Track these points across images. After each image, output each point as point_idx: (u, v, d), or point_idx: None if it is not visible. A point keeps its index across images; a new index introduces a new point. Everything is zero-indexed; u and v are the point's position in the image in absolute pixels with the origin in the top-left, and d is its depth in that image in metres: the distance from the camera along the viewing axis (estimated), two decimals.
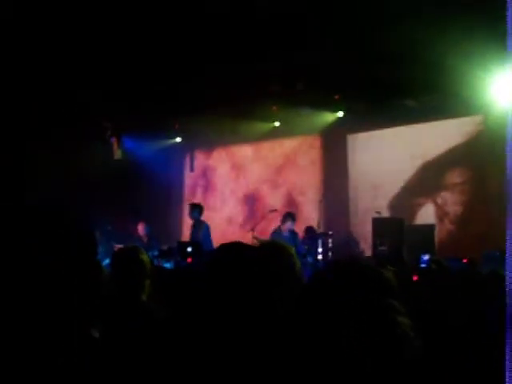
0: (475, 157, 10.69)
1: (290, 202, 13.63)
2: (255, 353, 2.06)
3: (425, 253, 8.58)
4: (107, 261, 8.96)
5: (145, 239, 11.19)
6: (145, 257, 3.71)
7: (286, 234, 10.52)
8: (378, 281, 1.60)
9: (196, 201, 15.07)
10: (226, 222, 14.63)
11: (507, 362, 1.73)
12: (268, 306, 2.24)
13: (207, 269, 2.49)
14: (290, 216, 10.72)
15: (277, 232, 10.60)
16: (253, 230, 11.67)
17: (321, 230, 11.43)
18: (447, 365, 2.53)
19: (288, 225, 10.57)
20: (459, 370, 2.62)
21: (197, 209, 11.09)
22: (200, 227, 10.83)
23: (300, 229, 11.66)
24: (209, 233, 10.85)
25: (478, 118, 10.79)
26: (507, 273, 1.79)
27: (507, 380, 1.69)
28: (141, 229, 11.37)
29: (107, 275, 2.99)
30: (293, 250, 3.12)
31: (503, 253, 1.82)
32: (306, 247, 10.70)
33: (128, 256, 3.67)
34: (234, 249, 2.60)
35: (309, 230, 11.68)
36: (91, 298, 2.25)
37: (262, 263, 2.45)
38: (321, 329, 1.49)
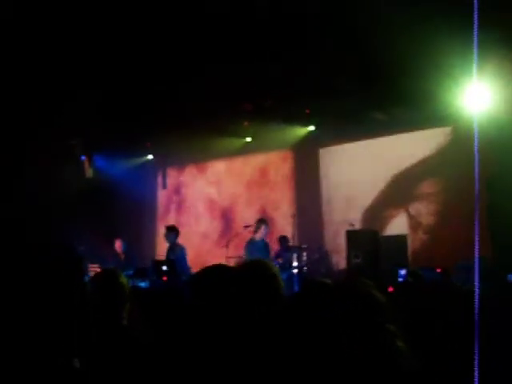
0: (446, 167, 10.81)
1: (264, 217, 13.62)
2: (241, 371, 2.05)
3: (398, 263, 8.62)
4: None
5: (122, 256, 11.08)
6: (124, 280, 3.63)
7: (259, 240, 10.28)
8: (374, 305, 1.60)
9: (170, 217, 15.03)
10: (200, 238, 14.57)
11: (476, 369, 1.75)
12: (251, 325, 2.23)
13: (190, 291, 2.47)
14: (262, 222, 10.52)
15: (251, 242, 10.35)
16: (227, 245, 11.65)
17: (295, 244, 11.44)
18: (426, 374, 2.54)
19: (262, 230, 10.30)
20: (437, 380, 2.64)
21: (173, 232, 10.89)
22: (176, 250, 10.69)
23: (274, 241, 11.69)
24: (184, 256, 10.68)
25: (447, 129, 10.92)
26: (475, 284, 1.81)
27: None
28: (118, 246, 11.26)
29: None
30: (276, 269, 3.07)
31: (478, 262, 1.84)
32: (280, 260, 10.69)
33: (107, 280, 3.58)
34: (216, 271, 2.58)
35: (282, 240, 11.68)
36: (73, 327, 2.23)
37: (245, 284, 2.44)
38: (312, 349, 1.49)
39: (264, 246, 10.22)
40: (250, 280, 2.64)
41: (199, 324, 2.35)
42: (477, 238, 2.06)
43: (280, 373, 1.60)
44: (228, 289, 2.41)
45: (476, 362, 1.77)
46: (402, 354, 1.52)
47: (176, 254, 10.54)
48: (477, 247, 2.03)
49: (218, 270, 2.66)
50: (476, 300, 1.83)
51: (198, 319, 2.37)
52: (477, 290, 1.85)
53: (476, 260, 2.09)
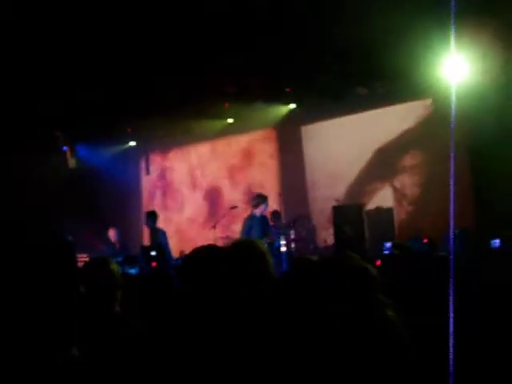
0: (428, 139, 10.87)
1: (250, 197, 13.67)
2: (233, 352, 2.09)
3: (385, 236, 8.70)
4: None
5: (117, 245, 11.04)
6: (115, 267, 3.63)
7: (259, 216, 10.10)
8: (365, 277, 1.64)
9: (156, 203, 15.02)
10: (187, 222, 14.60)
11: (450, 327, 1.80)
12: (242, 304, 2.27)
13: (181, 271, 2.50)
14: (262, 197, 10.35)
15: (250, 217, 10.20)
16: (214, 227, 11.67)
17: (282, 222, 11.50)
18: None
19: (262, 207, 10.14)
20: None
21: (151, 217, 10.87)
22: (157, 235, 10.68)
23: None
24: (165, 239, 10.67)
25: (427, 101, 10.97)
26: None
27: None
28: (112, 234, 11.21)
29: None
30: (265, 247, 3.10)
31: (462, 232, 1.90)
32: (267, 240, 10.76)
33: (98, 268, 3.57)
34: (205, 251, 2.61)
35: (275, 214, 11.73)
36: (70, 316, 2.25)
37: (234, 264, 2.47)
38: (303, 325, 1.53)
39: (263, 221, 10.13)
40: (239, 259, 2.67)
41: (190, 306, 2.39)
42: (452, 207, 2.14)
43: (273, 350, 1.64)
44: (218, 269, 2.44)
45: (451, 326, 1.82)
46: (392, 323, 1.56)
47: (158, 238, 10.56)
48: (452, 216, 2.11)
49: (207, 250, 2.69)
50: (451, 267, 1.90)
51: (189, 300, 2.40)
52: (452, 258, 1.92)
53: (451, 229, 2.17)
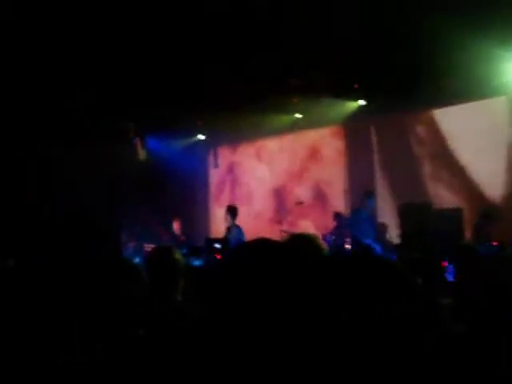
0: (501, 139, 10.59)
1: (318, 193, 13.62)
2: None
3: (453, 236, 8.53)
4: (137, 259, 9.07)
5: (181, 238, 11.12)
6: (179, 256, 3.67)
7: (365, 213, 10.14)
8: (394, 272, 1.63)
9: (223, 197, 15.14)
10: (254, 216, 14.65)
11: None
12: (295, 299, 2.25)
13: (229, 266, 2.51)
14: (367, 194, 10.39)
15: (357, 211, 10.36)
16: (280, 222, 11.70)
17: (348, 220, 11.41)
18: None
19: (368, 203, 10.20)
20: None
21: (230, 213, 10.77)
22: (232, 230, 10.58)
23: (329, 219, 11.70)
24: (240, 236, 10.52)
25: (501, 99, 10.65)
26: None
27: None
28: (176, 226, 11.30)
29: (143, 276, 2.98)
30: (320, 242, 3.08)
31: None
32: (333, 238, 10.71)
33: (162, 256, 3.62)
34: (257, 245, 2.61)
35: (337, 216, 11.69)
36: (134, 299, 2.31)
37: (287, 258, 2.46)
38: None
39: (368, 218, 10.20)
40: (292, 251, 2.66)
41: (240, 299, 2.39)
42: None
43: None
44: (270, 261, 2.43)
45: None
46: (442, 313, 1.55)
47: (232, 233, 10.51)
48: None
49: (260, 243, 2.68)
50: None
51: (239, 295, 2.40)
52: None
53: None
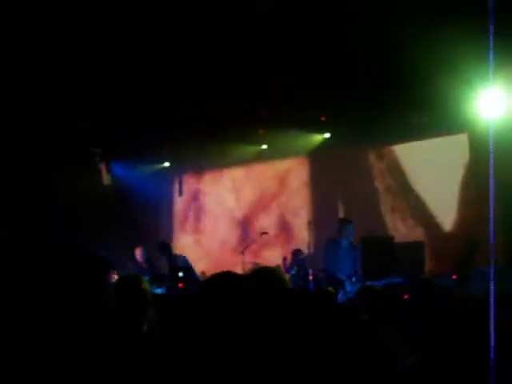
0: (464, 173, 10.80)
1: (283, 223, 13.67)
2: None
3: (415, 269, 8.61)
4: None
5: (144, 265, 10.94)
6: (146, 286, 3.61)
7: (344, 243, 9.32)
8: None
9: (187, 225, 15.09)
10: (218, 245, 14.61)
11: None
12: (256, 330, 2.28)
13: (198, 298, 2.53)
14: (347, 222, 9.55)
15: (332, 241, 9.50)
16: (243, 252, 11.70)
17: (311, 251, 11.43)
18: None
19: (348, 231, 9.33)
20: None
21: (165, 248, 10.45)
22: (178, 260, 10.40)
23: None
24: (187, 263, 10.36)
25: (463, 136, 10.87)
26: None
27: None
28: (139, 254, 11.13)
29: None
30: (283, 275, 3.07)
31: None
32: (296, 269, 10.73)
33: (130, 286, 3.56)
34: (223, 279, 2.62)
35: (295, 253, 11.72)
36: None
37: (250, 291, 2.49)
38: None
39: (349, 247, 9.36)
40: (256, 286, 2.68)
41: (209, 327, 2.41)
42: (492, 243, 2.11)
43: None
44: (235, 294, 2.46)
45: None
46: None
47: (181, 263, 10.33)
48: (492, 253, 2.08)
49: (224, 276, 2.70)
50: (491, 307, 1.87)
51: (208, 322, 2.43)
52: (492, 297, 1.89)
53: (491, 265, 2.14)
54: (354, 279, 9.00)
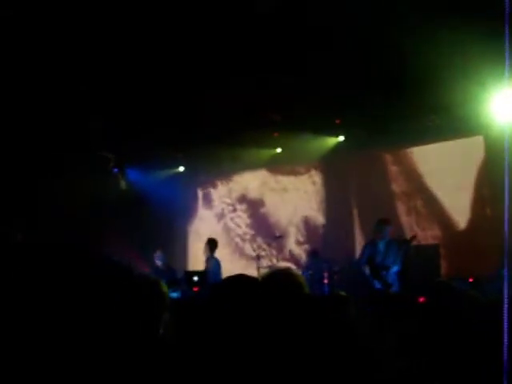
0: (478, 177, 10.74)
1: (295, 227, 13.66)
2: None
3: (430, 272, 8.56)
4: None
5: (163, 267, 10.98)
6: (165, 289, 3.61)
7: (381, 244, 9.41)
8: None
9: (202, 229, 15.10)
10: (233, 251, 14.62)
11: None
12: (267, 333, 2.28)
13: (211, 300, 2.53)
14: (383, 222, 9.59)
15: (370, 242, 9.72)
16: (258, 257, 11.71)
17: (326, 254, 11.44)
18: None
19: (383, 232, 9.40)
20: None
21: (209, 244, 10.72)
22: (210, 262, 10.52)
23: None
24: (217, 268, 10.46)
25: (479, 138, 10.81)
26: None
27: None
28: (158, 257, 11.18)
29: None
30: (302, 279, 3.04)
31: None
32: (311, 272, 10.71)
33: (149, 289, 3.56)
34: (236, 281, 2.62)
35: (313, 254, 11.72)
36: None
37: (263, 294, 2.49)
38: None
39: (387, 247, 9.41)
40: (273, 289, 2.68)
41: (221, 330, 2.42)
42: (506, 247, 2.10)
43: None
44: (248, 297, 2.46)
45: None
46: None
47: (210, 265, 10.46)
48: (506, 255, 2.07)
49: (239, 279, 2.71)
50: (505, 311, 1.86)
51: (218, 327, 2.43)
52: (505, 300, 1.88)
53: (505, 269, 2.13)
54: (395, 269, 9.05)
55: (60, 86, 8.80)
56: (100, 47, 7.67)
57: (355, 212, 12.61)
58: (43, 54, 7.74)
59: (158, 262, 10.93)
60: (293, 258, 13.40)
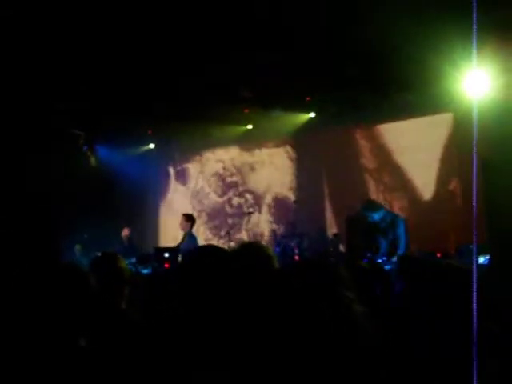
0: (447, 153, 10.87)
1: (267, 203, 13.71)
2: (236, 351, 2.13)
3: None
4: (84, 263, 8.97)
5: (126, 243, 11.11)
6: (123, 264, 3.67)
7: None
8: (335, 274, 1.71)
9: (174, 205, 15.08)
10: (203, 227, 14.64)
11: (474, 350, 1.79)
12: (240, 303, 2.30)
13: (182, 269, 2.55)
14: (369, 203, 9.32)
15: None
16: (228, 232, 11.74)
17: (297, 231, 11.52)
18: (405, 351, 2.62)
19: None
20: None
21: (189, 221, 10.48)
22: (185, 238, 10.32)
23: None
24: (194, 244, 10.29)
25: (448, 115, 10.93)
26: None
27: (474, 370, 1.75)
28: (125, 233, 11.32)
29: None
30: (270, 251, 3.10)
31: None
32: (281, 247, 10.78)
33: (106, 263, 3.64)
34: (206, 251, 2.65)
35: (290, 226, 11.78)
36: (78, 308, 2.31)
37: (234, 263, 2.51)
38: (285, 315, 1.60)
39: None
40: (243, 260, 2.70)
41: (189, 302, 2.42)
42: (474, 223, 2.11)
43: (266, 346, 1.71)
44: (219, 267, 2.47)
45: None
46: (357, 313, 1.66)
47: (187, 241, 10.31)
48: (474, 232, 2.08)
49: (209, 249, 2.72)
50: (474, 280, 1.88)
51: (189, 298, 2.43)
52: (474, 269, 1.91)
53: (474, 244, 2.14)
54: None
55: (30, 63, 8.67)
56: (72, 26, 7.58)
57: (326, 188, 12.69)
58: (19, 31, 7.63)
59: (124, 240, 11.11)
60: (264, 234, 13.48)
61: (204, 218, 14.71)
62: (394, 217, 8.87)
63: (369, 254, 8.45)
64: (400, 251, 8.25)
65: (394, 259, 8.00)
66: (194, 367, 2.28)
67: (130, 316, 3.32)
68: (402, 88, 10.36)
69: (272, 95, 10.84)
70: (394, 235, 8.53)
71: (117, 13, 7.34)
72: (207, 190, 14.83)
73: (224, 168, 14.52)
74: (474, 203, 2.12)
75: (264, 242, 12.24)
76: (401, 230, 8.52)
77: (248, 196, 14.01)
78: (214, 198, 14.67)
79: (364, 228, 9.28)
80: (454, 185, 10.79)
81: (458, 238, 9.36)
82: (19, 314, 2.22)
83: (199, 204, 14.93)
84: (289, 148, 13.48)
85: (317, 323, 1.61)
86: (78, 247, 12.22)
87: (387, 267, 7.91)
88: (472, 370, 1.70)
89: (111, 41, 8.14)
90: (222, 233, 13.53)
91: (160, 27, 7.77)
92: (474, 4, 2.16)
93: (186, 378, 2.29)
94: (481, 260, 7.57)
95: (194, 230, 10.26)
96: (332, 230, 12.32)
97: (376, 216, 8.76)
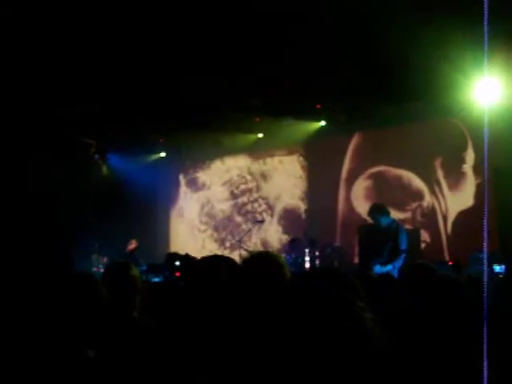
0: (457, 161, 10.85)
1: (278, 211, 13.70)
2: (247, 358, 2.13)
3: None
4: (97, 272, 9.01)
5: (127, 254, 11.19)
6: (135, 272, 3.66)
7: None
8: (347, 284, 1.73)
9: (185, 214, 15.09)
10: (214, 235, 14.65)
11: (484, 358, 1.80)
12: (252, 313, 2.31)
13: (189, 280, 2.56)
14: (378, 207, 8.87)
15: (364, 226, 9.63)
16: (240, 240, 11.74)
17: (308, 239, 11.49)
18: (417, 361, 2.62)
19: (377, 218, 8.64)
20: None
21: None
22: None
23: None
24: None
25: (458, 123, 10.91)
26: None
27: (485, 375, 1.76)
28: (131, 246, 11.35)
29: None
30: (282, 259, 3.08)
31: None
32: (293, 256, 10.77)
33: (118, 272, 3.62)
34: (213, 262, 2.65)
35: (293, 240, 11.75)
36: (87, 320, 2.32)
37: (246, 273, 2.51)
38: (298, 322, 1.61)
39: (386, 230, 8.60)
40: (255, 269, 2.70)
41: (200, 312, 2.43)
42: (485, 230, 2.12)
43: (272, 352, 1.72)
44: (232, 277, 2.48)
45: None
46: (368, 322, 1.67)
47: None
48: (486, 239, 2.08)
49: (221, 260, 2.73)
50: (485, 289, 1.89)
51: (197, 306, 2.45)
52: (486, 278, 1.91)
53: (485, 251, 2.15)
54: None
55: (39, 71, 8.72)
56: (82, 33, 7.63)
57: (337, 196, 12.67)
58: (24, 35, 7.68)
59: (127, 252, 11.20)
60: (274, 242, 13.48)
61: (214, 226, 14.71)
62: (397, 224, 8.86)
63: (376, 261, 8.43)
64: (400, 260, 8.23)
65: (396, 264, 8.13)
66: (206, 375, 2.29)
67: (143, 324, 3.33)
68: (413, 97, 10.35)
69: (282, 104, 10.85)
70: (396, 241, 8.52)
71: (132, 20, 7.39)
72: (218, 198, 14.84)
73: (235, 176, 14.53)
74: (486, 211, 2.13)
75: (275, 251, 12.24)
76: (403, 237, 8.51)
77: (258, 204, 14.01)
78: (224, 207, 14.68)
79: (375, 236, 9.23)
80: (466, 192, 10.75)
81: (469, 245, 9.33)
82: (25, 323, 2.24)
83: (209, 212, 14.94)
84: (300, 156, 13.47)
85: (328, 332, 1.62)
86: (94, 257, 12.24)
87: (389, 268, 8.01)
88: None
89: (125, 50, 8.19)
90: (233, 241, 13.54)
91: (172, 37, 7.81)
92: (485, 13, 2.17)
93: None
94: (497, 269, 7.56)
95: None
96: (343, 238, 12.29)
97: (383, 221, 8.68)
